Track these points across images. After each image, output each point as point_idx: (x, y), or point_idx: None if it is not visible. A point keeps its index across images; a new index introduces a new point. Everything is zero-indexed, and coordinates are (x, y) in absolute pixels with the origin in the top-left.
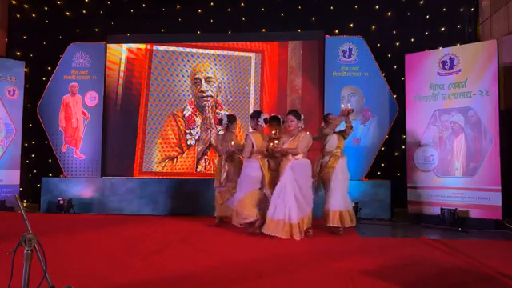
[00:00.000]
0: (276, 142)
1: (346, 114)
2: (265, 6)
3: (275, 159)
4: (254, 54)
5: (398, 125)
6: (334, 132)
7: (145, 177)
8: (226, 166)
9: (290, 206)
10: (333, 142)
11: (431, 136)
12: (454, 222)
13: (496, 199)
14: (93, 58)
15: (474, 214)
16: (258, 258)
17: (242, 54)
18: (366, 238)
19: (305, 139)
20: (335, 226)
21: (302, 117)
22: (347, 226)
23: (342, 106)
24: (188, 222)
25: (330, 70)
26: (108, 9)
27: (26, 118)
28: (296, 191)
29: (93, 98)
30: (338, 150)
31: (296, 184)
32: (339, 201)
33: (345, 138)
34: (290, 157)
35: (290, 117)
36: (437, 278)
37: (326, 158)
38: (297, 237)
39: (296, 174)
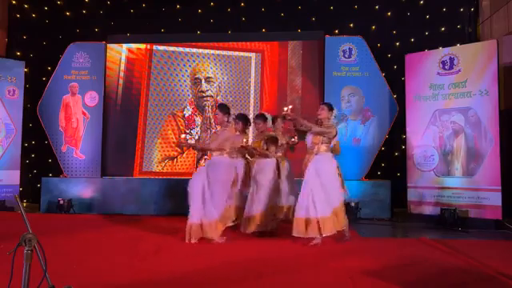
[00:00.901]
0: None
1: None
2: (265, 5)
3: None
4: (254, 54)
5: (398, 125)
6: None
7: (145, 177)
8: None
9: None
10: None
11: (431, 136)
12: (454, 222)
13: (496, 199)
14: (93, 58)
15: (474, 214)
16: (258, 259)
17: (241, 54)
18: (365, 238)
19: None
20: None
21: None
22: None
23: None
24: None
25: (330, 69)
26: (108, 9)
27: (26, 117)
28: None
29: (93, 98)
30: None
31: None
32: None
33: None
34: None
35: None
36: (437, 278)
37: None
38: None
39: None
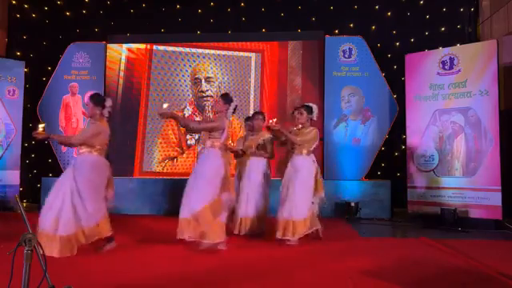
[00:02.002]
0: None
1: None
2: (265, 5)
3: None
4: (254, 54)
5: (397, 125)
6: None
7: (145, 177)
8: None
9: None
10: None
11: (431, 136)
12: (454, 222)
13: (496, 199)
14: (93, 58)
15: (474, 214)
16: (258, 259)
17: (241, 54)
18: (365, 238)
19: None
20: None
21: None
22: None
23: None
24: None
25: (330, 69)
26: (108, 9)
27: (26, 117)
28: None
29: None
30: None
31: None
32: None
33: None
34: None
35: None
36: (437, 278)
37: None
38: None
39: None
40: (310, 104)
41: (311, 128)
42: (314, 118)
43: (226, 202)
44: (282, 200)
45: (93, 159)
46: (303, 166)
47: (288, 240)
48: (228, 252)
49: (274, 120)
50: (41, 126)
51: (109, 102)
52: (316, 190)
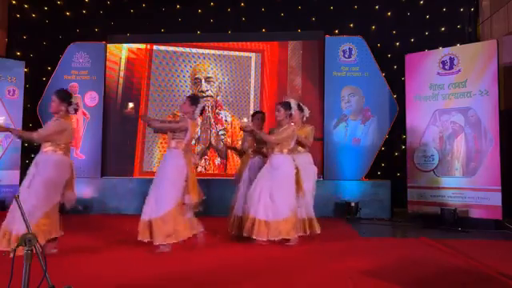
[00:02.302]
0: None
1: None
2: (265, 5)
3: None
4: (254, 54)
5: (397, 125)
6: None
7: (145, 177)
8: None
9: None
10: None
11: (431, 136)
12: (454, 222)
13: (496, 199)
14: (93, 58)
15: (474, 214)
16: (258, 259)
17: (241, 54)
18: (365, 238)
19: None
20: None
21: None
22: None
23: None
24: None
25: (330, 69)
26: (108, 9)
27: (26, 117)
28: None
29: (93, 98)
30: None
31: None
32: None
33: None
34: None
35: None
36: (437, 278)
37: None
38: None
39: None
40: (289, 99)
41: (288, 125)
42: (293, 113)
43: (189, 204)
44: (250, 196)
45: (57, 158)
46: (282, 165)
47: (257, 240)
48: (228, 252)
49: (246, 120)
50: (1, 119)
51: (75, 99)
52: (297, 189)
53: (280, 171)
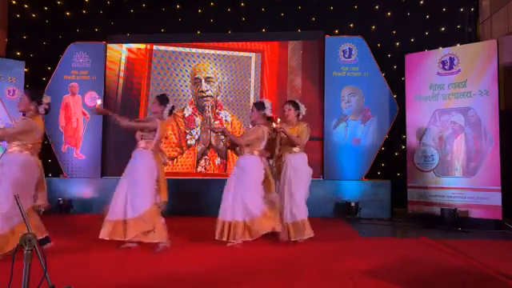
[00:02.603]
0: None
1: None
2: (265, 5)
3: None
4: (253, 54)
5: (397, 125)
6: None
7: None
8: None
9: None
10: None
11: (431, 136)
12: (454, 222)
13: (496, 199)
14: (93, 58)
15: (474, 214)
16: (258, 259)
17: (241, 54)
18: (365, 238)
19: None
20: None
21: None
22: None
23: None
24: (187, 223)
25: (330, 69)
26: (108, 9)
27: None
28: None
29: (93, 98)
30: None
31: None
32: None
33: None
34: None
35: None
36: (437, 278)
37: None
38: None
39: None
40: (263, 99)
41: (257, 127)
42: (267, 113)
43: (160, 204)
44: (225, 199)
45: (22, 159)
46: (249, 167)
47: (232, 242)
48: (228, 252)
49: (216, 123)
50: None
51: (47, 99)
52: (267, 190)
53: (247, 173)
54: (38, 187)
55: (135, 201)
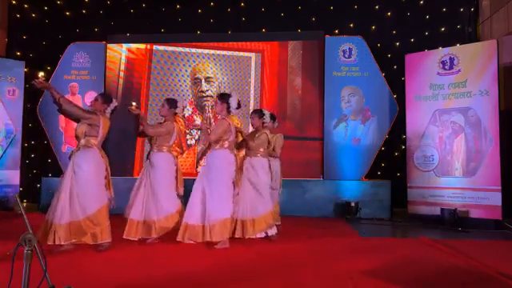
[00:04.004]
0: None
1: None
2: (265, 5)
3: None
4: (253, 54)
5: (397, 125)
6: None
7: None
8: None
9: None
10: None
11: (431, 136)
12: (454, 222)
13: (496, 199)
14: (93, 57)
15: (474, 214)
16: (259, 259)
17: (242, 54)
18: (366, 238)
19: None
20: None
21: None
22: None
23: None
24: None
25: (330, 70)
26: (108, 9)
27: (26, 117)
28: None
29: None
30: None
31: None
32: None
33: None
34: None
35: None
36: (437, 278)
37: None
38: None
39: None
40: (171, 97)
41: (167, 122)
42: (177, 111)
43: (110, 202)
44: (140, 198)
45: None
46: (160, 163)
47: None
48: (228, 252)
49: (134, 104)
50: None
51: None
52: (177, 186)
53: (158, 170)
54: None
55: (86, 201)
